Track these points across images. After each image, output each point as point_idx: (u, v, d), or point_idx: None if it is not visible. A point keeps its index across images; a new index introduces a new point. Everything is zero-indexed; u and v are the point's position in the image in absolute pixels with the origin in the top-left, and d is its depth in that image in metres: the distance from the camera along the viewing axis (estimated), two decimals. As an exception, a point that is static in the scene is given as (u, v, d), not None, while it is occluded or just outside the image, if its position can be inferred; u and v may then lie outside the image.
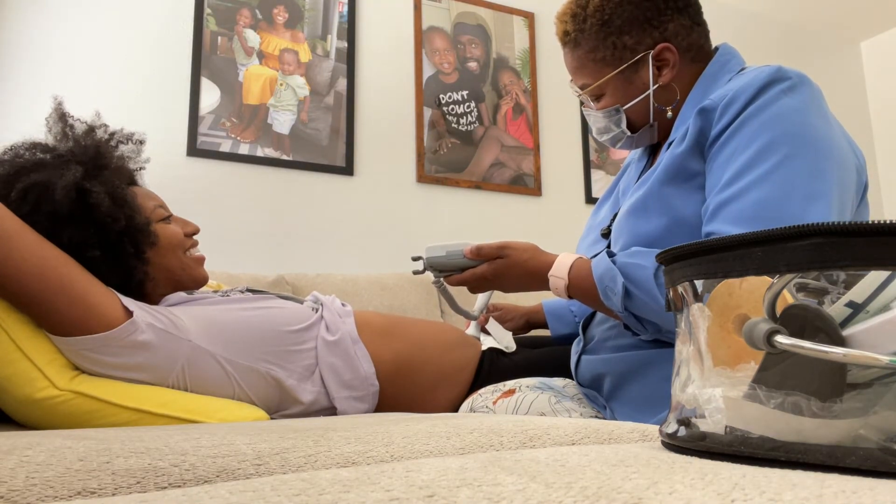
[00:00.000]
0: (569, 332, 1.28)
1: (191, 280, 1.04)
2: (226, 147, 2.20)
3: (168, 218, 1.03)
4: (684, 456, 0.36)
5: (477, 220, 2.59)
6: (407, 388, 1.06)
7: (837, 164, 0.80)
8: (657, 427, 0.53)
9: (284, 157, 2.28)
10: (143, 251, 0.95)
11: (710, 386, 0.36)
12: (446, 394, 1.09)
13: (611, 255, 0.90)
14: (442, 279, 1.03)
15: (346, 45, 2.46)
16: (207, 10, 2.25)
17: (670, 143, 0.93)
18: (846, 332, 0.32)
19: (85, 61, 2.06)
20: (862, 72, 3.87)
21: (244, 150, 2.23)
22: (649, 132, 1.02)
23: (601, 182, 2.90)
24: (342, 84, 2.42)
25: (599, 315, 1.03)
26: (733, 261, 0.35)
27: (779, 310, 0.34)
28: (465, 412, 1.03)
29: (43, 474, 0.36)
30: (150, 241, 0.96)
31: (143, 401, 0.82)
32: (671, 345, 0.88)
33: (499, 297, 2.01)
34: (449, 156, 2.57)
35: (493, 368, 1.12)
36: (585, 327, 1.07)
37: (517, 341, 1.24)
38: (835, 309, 0.33)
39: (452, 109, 2.62)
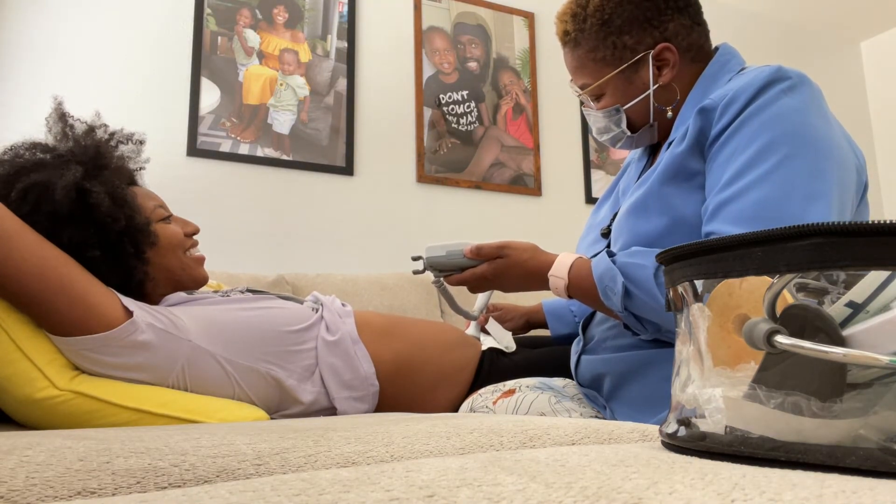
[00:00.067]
0: (569, 332, 1.28)
1: (191, 280, 1.04)
2: (226, 147, 2.20)
3: (168, 218, 1.03)
4: (684, 456, 0.36)
5: (477, 220, 2.59)
6: (407, 388, 1.06)
7: (837, 164, 0.80)
8: (657, 427, 0.53)
9: (284, 157, 2.28)
10: (143, 251, 0.95)
11: (710, 386, 0.36)
12: (446, 394, 1.09)
13: (611, 254, 0.90)
14: (442, 279, 1.03)
15: (346, 45, 2.46)
16: (207, 10, 2.25)
17: (670, 143, 0.93)
18: (846, 332, 0.32)
19: (85, 61, 2.06)
20: (862, 72, 3.87)
21: (244, 150, 2.23)
22: (649, 132, 1.02)
23: (601, 182, 2.90)
24: (342, 84, 2.42)
25: (599, 315, 1.03)
26: (733, 261, 0.35)
27: (779, 310, 0.34)
28: (465, 412, 1.03)
29: (43, 474, 0.36)
30: (150, 241, 0.96)
31: (143, 401, 0.82)
32: (671, 345, 0.88)
33: (499, 297, 2.01)
34: (449, 156, 2.57)
35: (493, 368, 1.12)
36: (585, 327, 1.07)
37: (517, 341, 1.24)
38: (835, 309, 0.33)
39: (452, 109, 2.62)
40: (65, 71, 2.03)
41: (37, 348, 0.81)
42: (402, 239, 2.43)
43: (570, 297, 0.95)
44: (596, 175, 2.90)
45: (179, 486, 0.38)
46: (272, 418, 0.95)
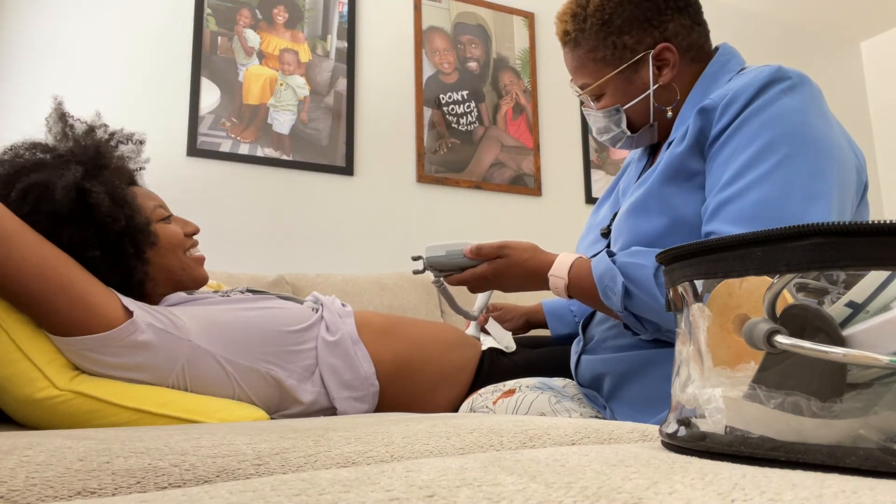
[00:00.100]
0: (569, 331, 1.28)
1: (191, 280, 1.04)
2: (226, 147, 2.20)
3: (168, 218, 1.03)
4: (684, 456, 0.36)
5: (477, 220, 2.59)
6: (407, 388, 1.06)
7: (837, 164, 0.80)
8: (657, 427, 0.53)
9: (284, 157, 2.28)
10: (143, 251, 0.95)
11: (710, 386, 0.36)
12: (446, 394, 1.09)
13: (610, 254, 0.90)
14: (442, 279, 1.03)
15: (346, 45, 2.46)
16: (207, 10, 2.25)
17: (670, 143, 0.93)
18: (846, 332, 0.32)
19: (85, 61, 2.06)
20: (862, 72, 3.87)
21: (244, 150, 2.23)
22: (649, 132, 1.02)
23: (601, 182, 2.90)
24: (342, 84, 2.42)
25: (599, 315, 1.03)
26: (733, 261, 0.35)
27: (779, 310, 0.34)
28: (465, 412, 1.03)
29: (43, 474, 0.36)
30: (150, 241, 0.96)
31: (143, 401, 0.82)
32: (671, 345, 0.88)
33: (499, 297, 2.01)
34: (449, 156, 2.57)
35: (493, 368, 1.12)
36: (585, 327, 1.07)
37: (517, 341, 1.24)
38: (835, 309, 0.33)
39: (452, 109, 2.62)
40: (65, 71, 2.03)
41: (37, 348, 0.81)
42: (402, 239, 2.43)
43: (570, 296, 0.95)
44: (596, 175, 2.90)
45: (179, 486, 0.38)
46: (272, 418, 0.95)
